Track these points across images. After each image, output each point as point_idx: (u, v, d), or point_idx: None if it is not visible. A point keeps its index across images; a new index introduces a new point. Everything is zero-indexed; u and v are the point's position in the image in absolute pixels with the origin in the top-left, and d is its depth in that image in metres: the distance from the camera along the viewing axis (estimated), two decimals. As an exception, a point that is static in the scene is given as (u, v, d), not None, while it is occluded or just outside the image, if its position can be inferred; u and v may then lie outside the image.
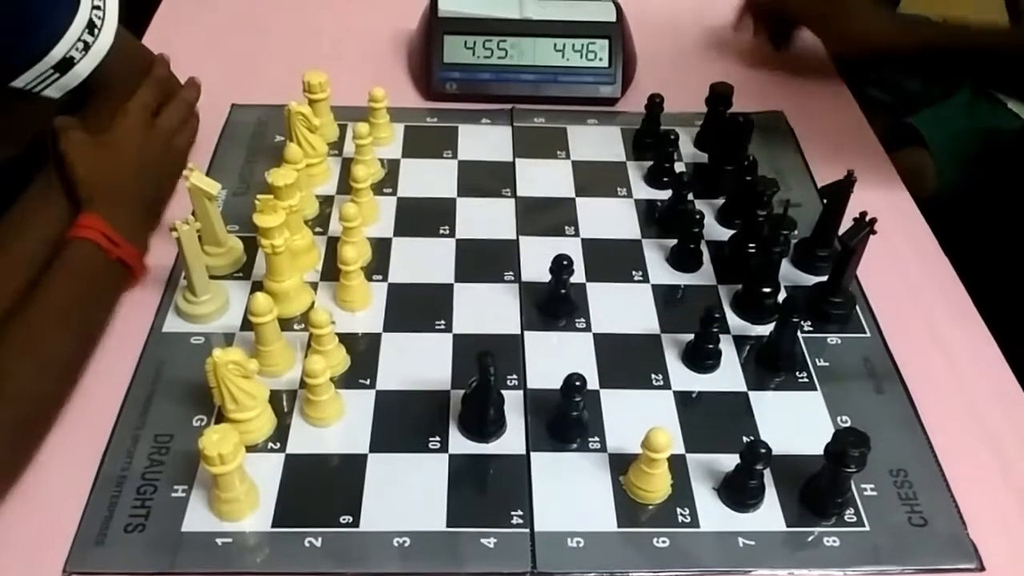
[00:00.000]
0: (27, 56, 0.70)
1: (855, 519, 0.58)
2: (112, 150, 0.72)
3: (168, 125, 0.79)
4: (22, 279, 0.63)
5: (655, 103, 0.87)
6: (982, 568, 0.57)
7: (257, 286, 0.71)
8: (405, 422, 0.63)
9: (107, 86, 0.77)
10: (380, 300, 0.72)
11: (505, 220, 0.80)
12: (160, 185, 0.78)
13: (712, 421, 0.64)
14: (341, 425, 0.63)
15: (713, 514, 0.58)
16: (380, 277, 0.74)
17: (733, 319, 0.72)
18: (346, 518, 0.57)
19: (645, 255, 0.77)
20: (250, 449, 0.59)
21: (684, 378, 0.67)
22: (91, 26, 0.72)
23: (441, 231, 0.78)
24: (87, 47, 0.72)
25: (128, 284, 0.70)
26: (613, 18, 0.93)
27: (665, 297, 0.73)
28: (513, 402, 0.64)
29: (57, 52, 0.70)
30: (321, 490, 0.59)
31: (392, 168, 0.85)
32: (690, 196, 0.80)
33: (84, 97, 0.76)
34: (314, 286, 0.72)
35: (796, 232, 0.78)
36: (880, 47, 0.92)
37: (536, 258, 0.74)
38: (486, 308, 0.71)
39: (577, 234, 0.79)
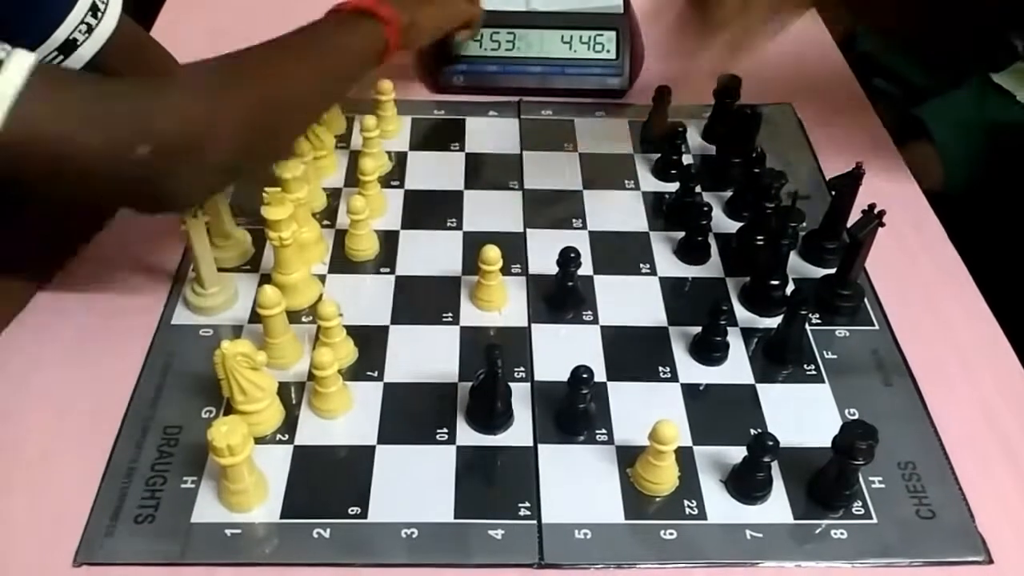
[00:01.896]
0: (31, 38, 0.70)
1: (863, 511, 0.58)
2: None
3: None
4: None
5: (663, 95, 0.87)
6: (990, 561, 0.56)
7: (265, 279, 0.71)
8: (413, 414, 0.63)
9: (110, 75, 0.77)
10: (388, 292, 0.72)
11: (512, 212, 0.80)
12: None
13: (719, 413, 0.64)
14: (349, 417, 0.63)
15: (720, 506, 0.58)
16: (388, 270, 0.74)
17: (741, 311, 0.72)
18: (354, 509, 0.57)
19: (653, 247, 0.77)
20: (259, 441, 0.60)
21: (692, 370, 0.67)
22: (94, 8, 0.73)
23: (448, 224, 0.78)
24: (90, 29, 0.72)
25: (381, 57, 0.72)
26: (620, 9, 0.93)
27: (673, 289, 0.73)
28: (520, 394, 0.64)
29: (60, 34, 0.70)
30: (329, 481, 0.59)
31: (399, 161, 0.85)
32: (698, 188, 0.80)
33: None
34: (322, 279, 0.73)
35: (804, 224, 0.78)
36: None
37: (543, 250, 0.74)
38: (493, 300, 0.71)
39: (584, 226, 0.79)
